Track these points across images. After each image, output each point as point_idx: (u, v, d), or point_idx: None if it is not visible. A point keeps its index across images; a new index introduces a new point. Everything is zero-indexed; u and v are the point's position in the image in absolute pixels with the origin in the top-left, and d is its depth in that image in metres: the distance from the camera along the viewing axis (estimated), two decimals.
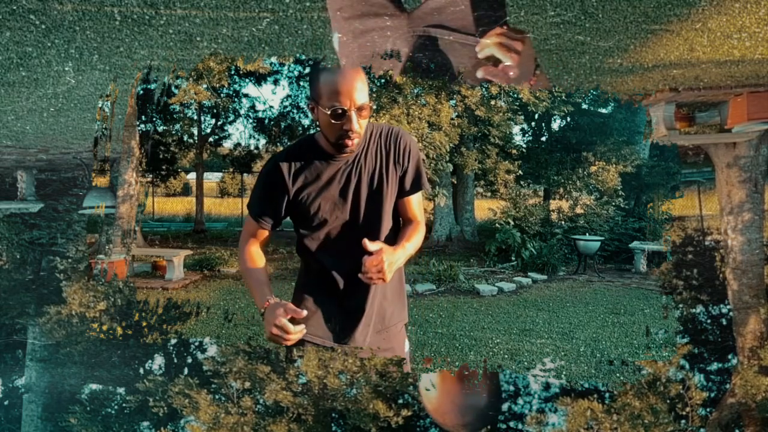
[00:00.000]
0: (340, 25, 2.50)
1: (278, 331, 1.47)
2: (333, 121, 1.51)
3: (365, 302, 1.69)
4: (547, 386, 3.74)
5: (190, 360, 4.03)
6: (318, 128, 1.65)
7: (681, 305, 5.24)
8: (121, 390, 2.95)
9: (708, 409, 2.71)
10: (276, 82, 13.68)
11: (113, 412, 2.66)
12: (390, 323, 1.76)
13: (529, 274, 8.46)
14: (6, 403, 2.93)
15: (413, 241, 1.65)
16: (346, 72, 1.51)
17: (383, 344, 1.75)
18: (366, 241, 1.47)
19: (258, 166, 18.13)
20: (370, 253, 1.48)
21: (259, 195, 1.73)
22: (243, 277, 1.77)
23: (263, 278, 1.68)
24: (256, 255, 1.75)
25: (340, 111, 1.49)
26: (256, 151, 15.00)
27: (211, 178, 24.07)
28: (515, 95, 8.86)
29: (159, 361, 3.86)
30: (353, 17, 2.46)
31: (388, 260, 1.47)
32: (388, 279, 1.48)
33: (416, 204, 1.73)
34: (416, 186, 1.70)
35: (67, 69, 3.32)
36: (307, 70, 12.46)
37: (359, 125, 1.53)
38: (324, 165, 1.64)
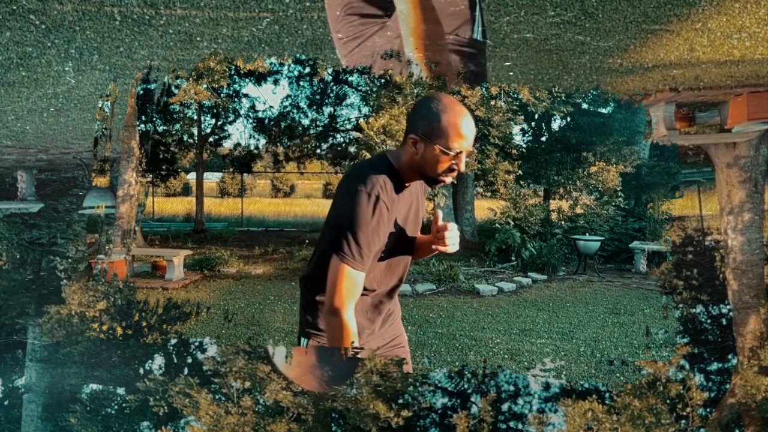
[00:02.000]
0: (339, 26, 2.50)
1: None
2: (442, 159, 1.57)
3: (389, 304, 1.82)
4: (547, 386, 3.74)
5: (190, 360, 4.03)
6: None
7: (681, 305, 5.23)
8: (121, 390, 2.95)
9: (708, 409, 2.71)
10: (276, 82, 13.69)
11: (113, 412, 2.66)
12: (388, 313, 1.88)
13: (529, 274, 8.46)
14: (6, 403, 2.93)
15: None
16: (467, 113, 1.58)
17: (393, 332, 1.88)
18: (438, 212, 1.73)
19: (258, 166, 18.13)
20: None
21: (369, 238, 1.53)
22: (344, 342, 1.55)
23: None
24: (356, 323, 1.60)
25: (456, 153, 1.56)
26: (256, 151, 14.99)
27: (211, 178, 24.09)
28: (515, 95, 8.86)
29: (159, 361, 3.86)
30: (354, 18, 2.47)
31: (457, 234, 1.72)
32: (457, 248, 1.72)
33: None
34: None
35: (67, 69, 3.32)
36: (307, 70, 12.45)
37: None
38: (398, 193, 1.65)
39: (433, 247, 1.73)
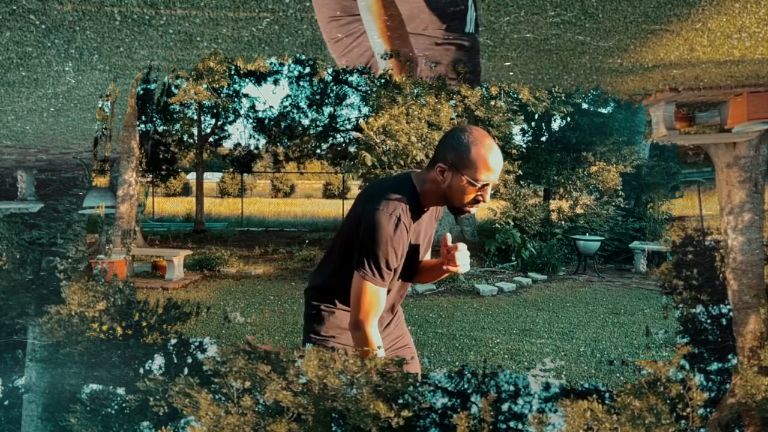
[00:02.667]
0: (330, 26, 2.51)
1: None
2: (470, 191, 1.61)
3: (394, 304, 1.88)
4: (547, 386, 3.74)
5: (190, 360, 4.03)
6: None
7: (681, 305, 5.23)
8: (121, 390, 2.95)
9: (708, 409, 2.71)
10: (276, 82, 13.68)
11: (113, 412, 2.66)
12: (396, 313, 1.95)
13: (529, 274, 8.46)
14: (6, 403, 2.93)
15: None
16: (496, 147, 1.62)
17: (398, 332, 1.95)
18: (448, 235, 1.74)
19: (258, 166, 18.12)
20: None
21: (389, 258, 1.60)
22: (368, 353, 1.66)
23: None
24: (379, 334, 1.68)
25: (484, 185, 1.60)
26: (256, 151, 14.99)
27: (211, 178, 24.08)
28: (515, 95, 8.86)
29: (159, 361, 3.86)
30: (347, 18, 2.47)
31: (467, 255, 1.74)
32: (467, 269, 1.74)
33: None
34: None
35: (67, 69, 3.32)
36: (307, 70, 12.46)
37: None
38: (417, 219, 1.71)
39: (444, 267, 1.75)
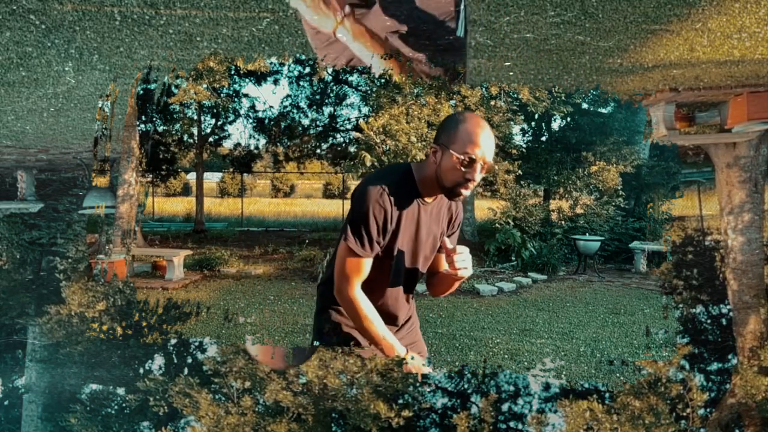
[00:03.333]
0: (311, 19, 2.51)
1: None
2: (459, 168, 1.60)
3: (397, 316, 1.88)
4: (547, 386, 3.74)
5: (190, 360, 4.03)
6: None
7: (681, 305, 5.23)
8: (121, 390, 2.95)
9: (708, 410, 2.71)
10: (276, 82, 13.69)
11: (113, 412, 2.66)
12: (406, 320, 1.94)
13: (529, 274, 8.46)
14: (6, 403, 2.93)
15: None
16: (487, 127, 1.63)
17: (409, 339, 1.93)
18: (447, 240, 1.70)
19: (258, 166, 18.12)
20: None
21: (369, 227, 1.65)
22: (362, 322, 1.68)
23: (383, 323, 1.72)
24: (368, 300, 1.71)
25: (470, 159, 1.59)
26: (256, 151, 14.99)
27: (211, 178, 24.09)
28: (515, 95, 8.86)
29: (159, 361, 3.86)
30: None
31: (470, 259, 1.71)
32: (470, 272, 1.70)
33: None
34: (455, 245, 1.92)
35: (67, 69, 3.32)
36: (307, 70, 12.46)
37: (480, 178, 1.64)
38: (414, 205, 1.72)
39: (443, 271, 1.76)
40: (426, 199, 1.73)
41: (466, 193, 1.65)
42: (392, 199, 1.65)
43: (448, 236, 1.85)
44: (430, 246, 1.82)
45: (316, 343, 1.86)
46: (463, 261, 1.68)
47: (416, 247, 1.77)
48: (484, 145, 1.60)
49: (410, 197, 1.70)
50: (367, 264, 1.68)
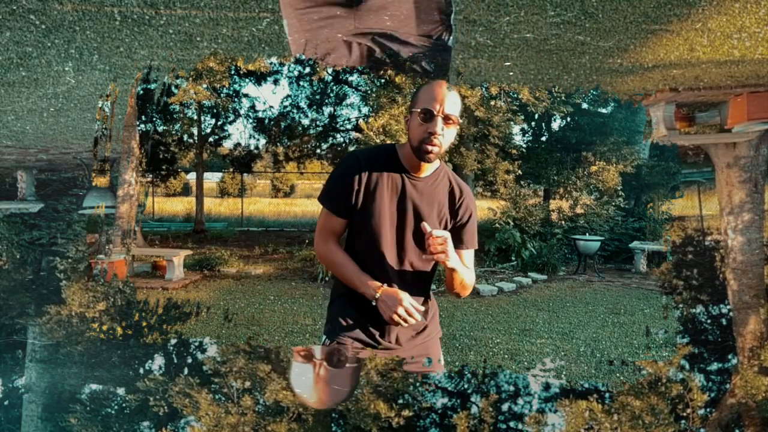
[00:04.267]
0: (290, 15, 2.50)
1: (404, 314, 1.66)
2: (420, 123, 1.64)
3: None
4: (547, 386, 3.74)
5: (190, 360, 4.03)
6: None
7: (681, 305, 5.23)
8: (121, 390, 2.95)
9: (708, 410, 2.71)
10: (276, 82, 13.68)
11: (113, 412, 2.66)
12: (421, 327, 1.92)
13: (529, 274, 8.45)
14: (6, 403, 2.93)
15: (465, 268, 1.82)
16: (443, 84, 1.67)
17: (421, 352, 1.94)
18: (425, 224, 1.66)
19: (258, 166, 18.12)
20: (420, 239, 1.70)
21: (334, 187, 1.75)
22: (336, 269, 1.78)
23: (358, 267, 1.75)
24: (340, 248, 1.80)
25: (427, 112, 1.63)
26: (256, 151, 14.99)
27: (211, 178, 24.08)
28: (515, 95, 8.86)
29: (159, 361, 3.86)
30: (306, 8, 2.47)
31: (449, 244, 1.65)
32: (450, 259, 1.66)
33: (469, 259, 1.91)
34: (472, 243, 1.92)
35: (67, 69, 3.32)
36: (307, 70, 12.45)
37: (442, 133, 1.64)
38: (396, 177, 1.74)
39: (424, 257, 1.73)
40: (414, 174, 1.74)
41: (433, 149, 1.64)
42: (365, 164, 1.72)
43: (459, 227, 1.83)
44: (417, 222, 1.76)
45: (324, 338, 1.86)
46: (438, 244, 1.63)
47: (402, 220, 1.75)
48: (442, 99, 1.63)
49: (389, 167, 1.74)
50: (338, 222, 1.77)
